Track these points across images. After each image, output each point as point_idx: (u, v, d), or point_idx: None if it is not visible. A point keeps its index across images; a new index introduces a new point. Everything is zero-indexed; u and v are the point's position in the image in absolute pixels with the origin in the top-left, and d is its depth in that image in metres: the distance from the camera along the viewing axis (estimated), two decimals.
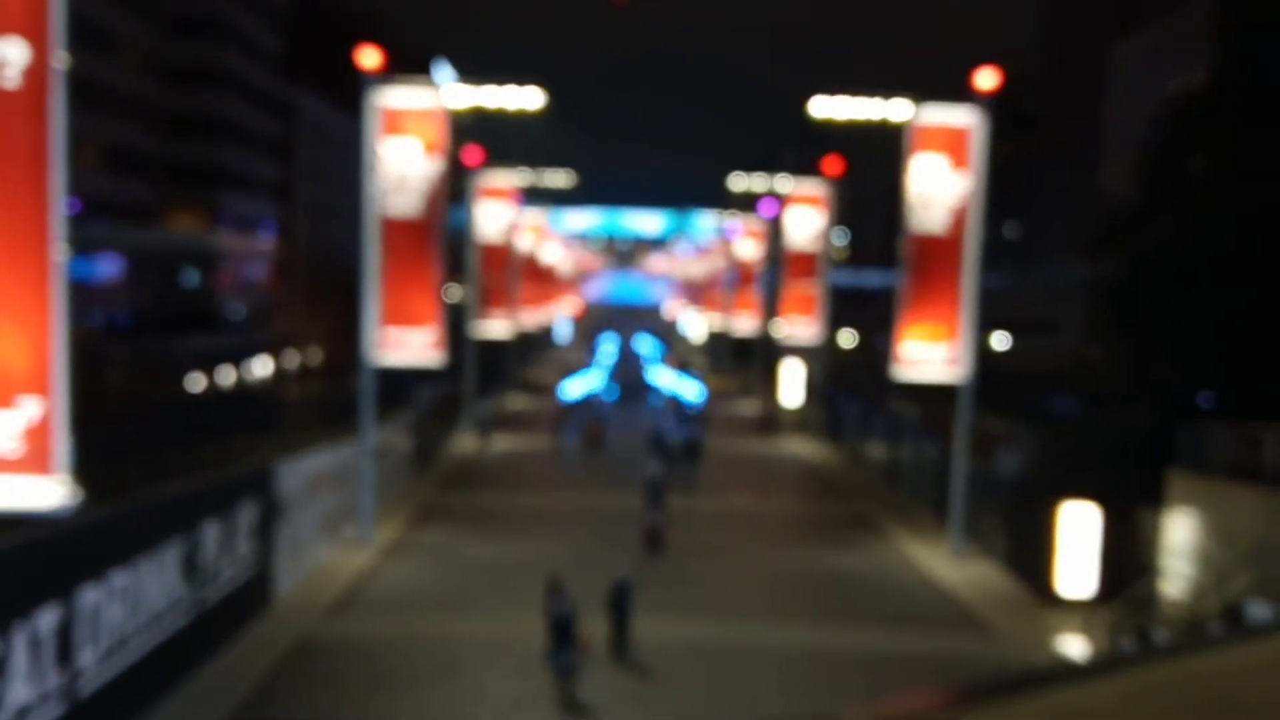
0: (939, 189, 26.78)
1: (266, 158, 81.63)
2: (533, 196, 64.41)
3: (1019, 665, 19.23)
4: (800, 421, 52.43)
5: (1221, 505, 20.86)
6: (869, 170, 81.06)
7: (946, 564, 26.26)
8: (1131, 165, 26.84)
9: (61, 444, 13.48)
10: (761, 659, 19.22)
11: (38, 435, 13.38)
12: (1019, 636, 21.12)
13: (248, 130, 78.19)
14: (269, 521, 20.84)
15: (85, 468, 13.98)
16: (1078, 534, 22.85)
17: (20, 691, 12.41)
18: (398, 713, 16.43)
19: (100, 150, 59.58)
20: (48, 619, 12.99)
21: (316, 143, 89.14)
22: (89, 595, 13.96)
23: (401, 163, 26.45)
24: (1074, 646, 20.71)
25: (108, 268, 62.53)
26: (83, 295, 49.32)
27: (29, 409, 13.34)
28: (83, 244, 47.50)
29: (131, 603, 15.12)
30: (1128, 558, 22.62)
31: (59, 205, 13.36)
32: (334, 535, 25.53)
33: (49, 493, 13.47)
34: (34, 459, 13.40)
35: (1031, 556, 23.81)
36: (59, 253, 13.40)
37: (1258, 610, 18.77)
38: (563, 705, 16.62)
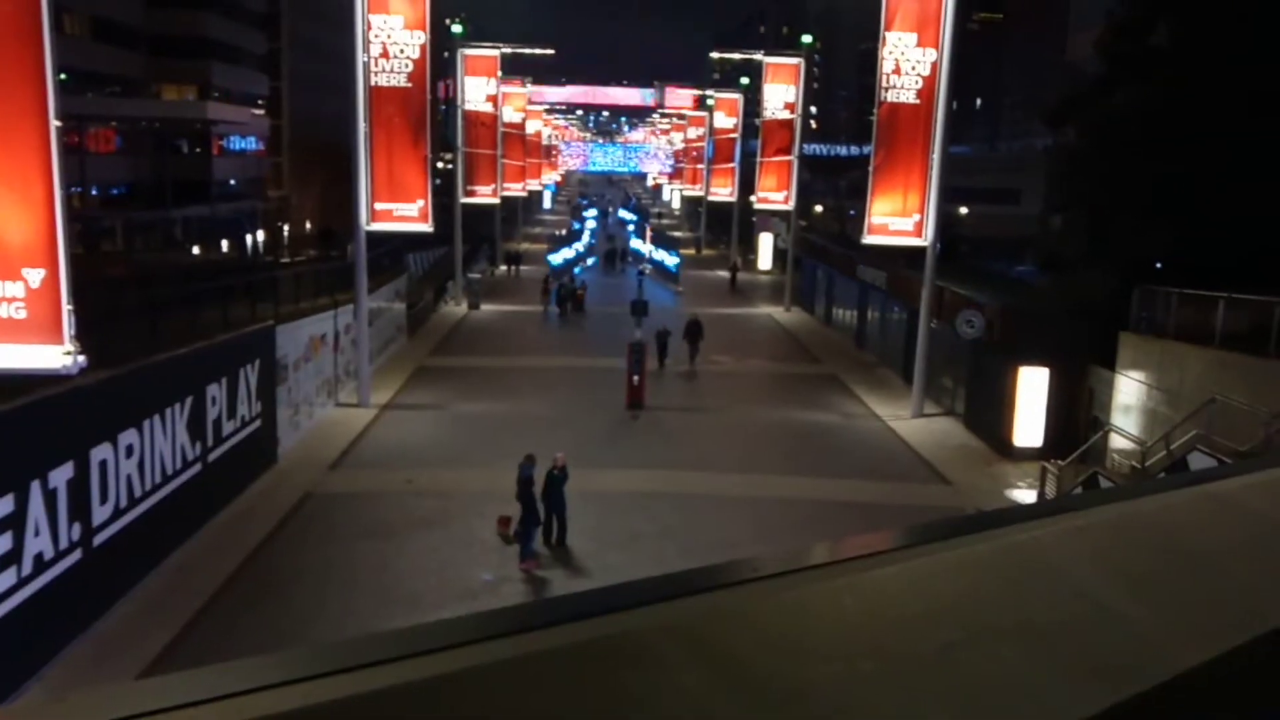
0: (911, 61, 27.34)
1: (254, 30, 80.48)
2: (517, 70, 65.06)
3: (973, 510, 20.48)
4: (774, 286, 53.54)
5: (1170, 364, 21.88)
6: (841, 46, 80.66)
7: (910, 420, 27.54)
8: (1097, 38, 27.25)
9: (66, 310, 14.11)
10: (736, 506, 20.51)
11: (43, 302, 14.00)
12: (975, 486, 22.49)
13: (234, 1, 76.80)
14: (270, 383, 21.78)
15: (88, 334, 14.70)
16: (1032, 393, 24.06)
17: (38, 542, 13.28)
18: (390, 557, 17.59)
19: (86, 22, 59.15)
20: (61, 475, 13.76)
21: (304, 14, 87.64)
22: (100, 453, 14.76)
23: (387, 35, 26.95)
24: (1025, 494, 21.97)
25: (101, 140, 62.41)
26: (76, 166, 49.62)
27: (33, 278, 13.90)
28: (74, 117, 47.64)
29: (141, 460, 15.98)
30: (1081, 415, 23.76)
31: (52, 78, 13.64)
32: (332, 396, 26.68)
33: (56, 356, 14.16)
34: (40, 325, 14.05)
35: (989, 413, 25.07)
36: (54, 126, 13.78)
37: (1201, 461, 19.89)
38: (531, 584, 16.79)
